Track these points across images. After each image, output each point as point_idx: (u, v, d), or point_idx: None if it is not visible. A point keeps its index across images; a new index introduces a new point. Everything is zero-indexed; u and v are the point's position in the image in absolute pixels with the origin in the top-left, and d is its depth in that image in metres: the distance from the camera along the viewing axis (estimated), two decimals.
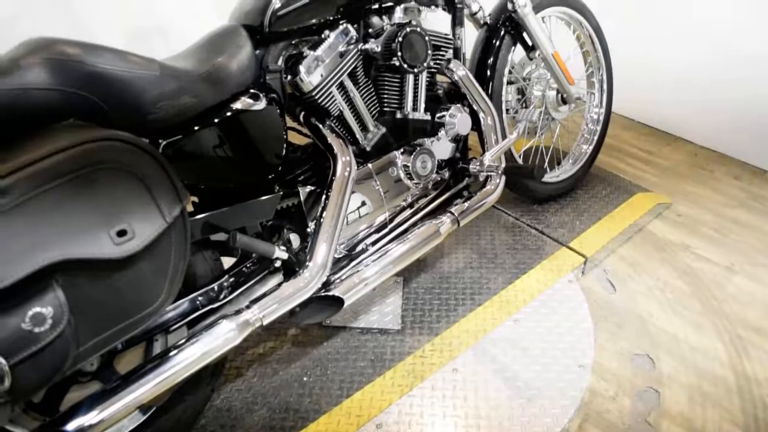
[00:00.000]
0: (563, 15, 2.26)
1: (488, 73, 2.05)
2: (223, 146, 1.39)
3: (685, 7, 2.79)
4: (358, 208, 1.70)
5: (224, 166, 1.41)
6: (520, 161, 2.18)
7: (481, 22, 2.06)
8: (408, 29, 1.57)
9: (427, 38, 1.62)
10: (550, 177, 2.36)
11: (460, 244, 2.18)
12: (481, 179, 1.86)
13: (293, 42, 1.55)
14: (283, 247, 1.46)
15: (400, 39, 1.55)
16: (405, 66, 1.57)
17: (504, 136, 1.92)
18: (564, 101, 2.25)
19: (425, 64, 1.63)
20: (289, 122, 1.65)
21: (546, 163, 2.38)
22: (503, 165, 1.77)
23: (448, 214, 1.77)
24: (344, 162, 1.54)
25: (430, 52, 1.64)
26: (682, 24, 2.81)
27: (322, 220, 1.50)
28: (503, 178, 1.85)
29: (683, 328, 1.90)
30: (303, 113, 1.61)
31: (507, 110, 2.19)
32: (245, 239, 1.38)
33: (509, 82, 2.19)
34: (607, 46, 2.43)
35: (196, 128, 1.33)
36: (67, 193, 0.98)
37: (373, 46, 1.58)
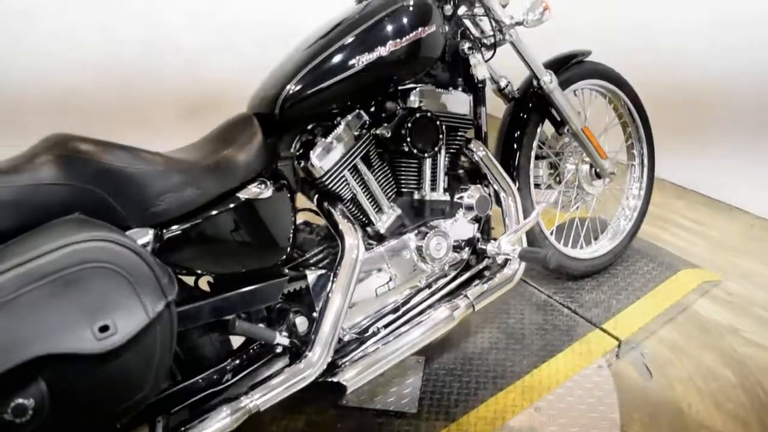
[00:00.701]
0: (597, 87, 2.22)
1: (515, 146, 2.03)
2: (229, 235, 1.43)
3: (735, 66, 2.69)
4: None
5: (230, 253, 1.45)
6: (551, 238, 2.12)
7: (510, 97, 2.05)
8: (418, 115, 1.58)
9: (438, 123, 1.62)
10: (585, 253, 2.28)
11: (488, 323, 2.12)
12: (500, 261, 1.82)
13: (307, 128, 1.60)
14: (285, 333, 1.47)
15: (409, 125, 1.56)
16: (415, 151, 1.58)
17: (526, 216, 1.88)
18: (598, 175, 2.20)
19: (436, 149, 1.63)
20: (307, 203, 1.69)
21: (581, 238, 2.31)
22: (519, 249, 1.72)
23: (464, 297, 1.73)
24: (351, 245, 1.55)
25: (442, 136, 1.64)
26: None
27: (327, 304, 1.51)
28: (522, 262, 1.80)
29: (725, 423, 1.77)
30: (317, 196, 1.64)
31: (538, 185, 2.16)
32: (245, 326, 1.40)
33: (542, 157, 2.16)
34: (647, 117, 2.36)
35: (201, 218, 1.37)
36: (54, 291, 1.03)
37: (384, 131, 1.60)
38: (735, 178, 2.84)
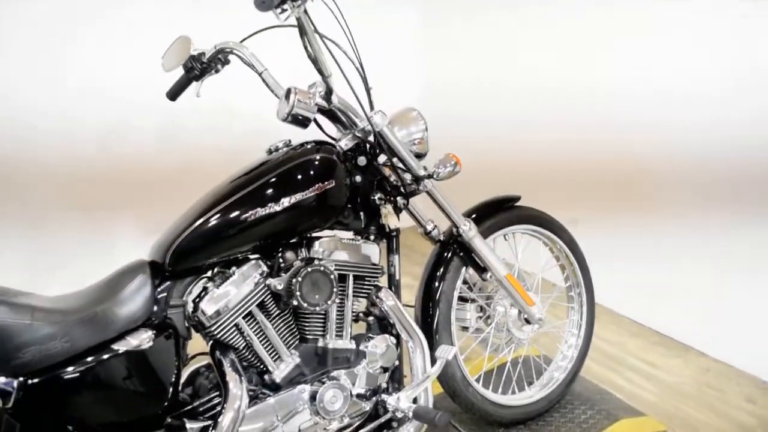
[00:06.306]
0: (529, 231, 2.23)
1: (436, 288, 2.02)
2: (102, 386, 1.43)
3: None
4: None
5: (103, 404, 1.44)
6: (476, 385, 2.06)
7: (435, 239, 2.06)
8: (310, 268, 1.59)
9: (332, 276, 1.62)
10: (516, 400, 2.21)
11: None
12: (399, 416, 1.76)
13: (203, 276, 1.62)
14: None
15: (300, 279, 1.57)
16: (305, 305, 1.58)
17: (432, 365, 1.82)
18: (528, 321, 2.16)
19: (329, 302, 1.63)
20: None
21: (513, 383, 2.25)
22: (413, 406, 1.67)
23: None
24: (234, 395, 1.53)
25: (335, 289, 1.64)
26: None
27: None
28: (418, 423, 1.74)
29: None
30: (210, 343, 1.63)
31: (466, 328, 2.13)
32: None
33: (471, 300, 2.14)
34: (585, 260, 2.35)
35: (70, 369, 1.38)
36: None
37: (277, 283, 1.61)
38: (691, 316, 2.77)
